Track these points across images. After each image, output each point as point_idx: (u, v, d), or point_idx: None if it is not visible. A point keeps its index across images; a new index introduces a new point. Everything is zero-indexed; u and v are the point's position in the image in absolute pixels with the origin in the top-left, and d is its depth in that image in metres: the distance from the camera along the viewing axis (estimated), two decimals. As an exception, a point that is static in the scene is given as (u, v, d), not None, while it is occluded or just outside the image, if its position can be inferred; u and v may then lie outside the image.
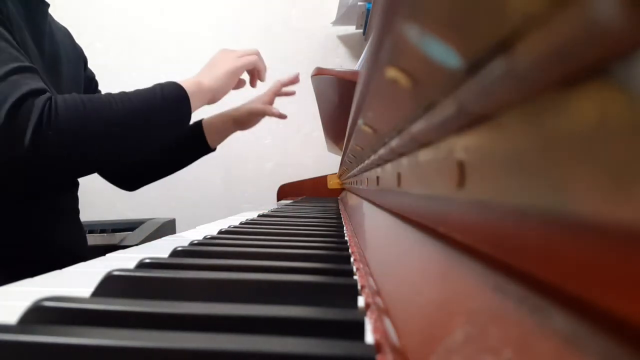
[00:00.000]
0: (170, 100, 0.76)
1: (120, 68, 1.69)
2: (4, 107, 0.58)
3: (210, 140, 0.99)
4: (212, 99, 0.85)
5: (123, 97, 0.71)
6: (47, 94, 0.63)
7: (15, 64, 0.62)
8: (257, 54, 0.92)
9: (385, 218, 0.39)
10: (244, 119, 1.02)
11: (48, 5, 0.82)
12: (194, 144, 0.99)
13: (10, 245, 0.70)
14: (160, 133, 0.76)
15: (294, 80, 1.09)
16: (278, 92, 1.06)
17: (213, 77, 0.85)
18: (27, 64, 0.65)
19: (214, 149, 1.00)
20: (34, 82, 0.63)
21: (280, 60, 1.70)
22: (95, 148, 0.66)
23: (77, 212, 0.87)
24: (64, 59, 0.84)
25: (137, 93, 0.74)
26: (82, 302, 0.22)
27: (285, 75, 1.09)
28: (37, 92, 0.62)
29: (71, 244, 0.81)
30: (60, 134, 0.62)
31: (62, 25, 0.90)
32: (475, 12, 0.11)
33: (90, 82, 0.96)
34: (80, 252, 0.82)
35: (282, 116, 1.03)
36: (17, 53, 0.64)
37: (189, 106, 0.79)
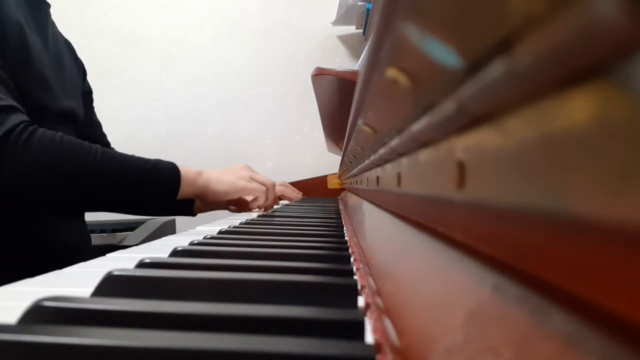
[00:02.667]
0: (157, 174, 0.74)
1: (120, 68, 1.69)
2: None
3: (197, 210, 0.94)
4: (203, 196, 0.82)
5: (108, 152, 0.69)
6: (24, 117, 0.62)
7: None
8: (269, 188, 0.88)
9: (385, 218, 0.39)
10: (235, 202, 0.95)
11: (49, 5, 0.83)
12: (177, 211, 0.93)
13: (18, 243, 0.70)
14: (132, 201, 0.74)
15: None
16: (280, 198, 1.00)
17: (215, 178, 0.82)
18: (3, 77, 0.65)
19: (194, 215, 0.94)
20: (8, 99, 0.63)
21: (280, 60, 1.70)
22: (54, 187, 0.64)
23: (83, 212, 0.88)
24: (66, 59, 0.85)
25: (128, 156, 0.72)
26: (82, 302, 0.22)
27: (294, 194, 1.07)
28: (11, 109, 0.62)
29: (77, 242, 0.82)
30: (20, 161, 0.61)
31: (66, 38, 0.91)
32: (475, 12, 0.11)
33: (87, 96, 0.96)
34: (85, 250, 0.83)
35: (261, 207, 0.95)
36: None
37: (176, 185, 0.76)
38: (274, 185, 0.90)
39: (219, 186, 0.81)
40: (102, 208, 0.76)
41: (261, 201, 0.87)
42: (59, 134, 0.65)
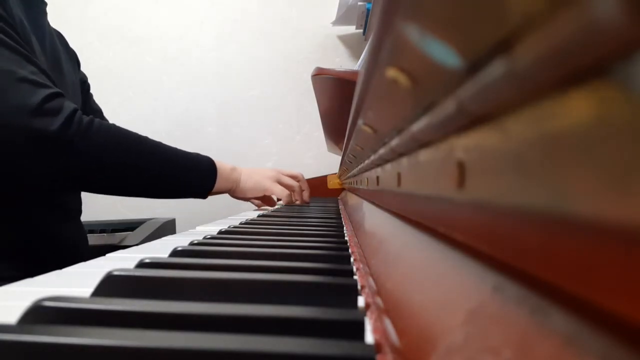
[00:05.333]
0: (197, 166, 0.80)
1: (120, 68, 1.69)
2: (35, 99, 0.60)
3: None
4: (233, 190, 0.90)
5: (154, 143, 0.75)
6: (74, 104, 0.65)
7: (34, 67, 0.64)
8: (293, 190, 0.98)
9: (385, 218, 0.39)
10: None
11: (46, 4, 0.83)
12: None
13: (18, 242, 0.71)
14: (174, 189, 0.80)
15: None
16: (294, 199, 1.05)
17: (247, 175, 0.91)
18: (43, 67, 0.67)
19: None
20: (54, 86, 0.65)
21: (280, 61, 1.70)
22: (109, 175, 0.69)
23: (80, 212, 0.89)
24: (63, 59, 0.85)
25: (172, 147, 0.78)
26: (82, 302, 0.22)
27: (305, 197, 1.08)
28: (62, 95, 0.65)
29: (75, 243, 0.83)
30: (82, 147, 0.64)
31: (55, 29, 0.91)
32: (475, 12, 0.11)
33: (82, 84, 0.97)
34: (84, 251, 0.84)
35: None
36: (30, 55, 0.66)
37: (212, 180, 0.83)
38: (298, 184, 0.99)
39: (247, 183, 0.90)
40: (142, 194, 0.81)
41: (286, 202, 0.96)
42: (112, 123, 0.70)
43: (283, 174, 0.97)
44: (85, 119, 0.65)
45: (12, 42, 0.63)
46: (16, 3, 0.71)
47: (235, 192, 0.91)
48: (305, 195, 1.04)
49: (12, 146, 0.61)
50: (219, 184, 0.83)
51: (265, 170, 0.95)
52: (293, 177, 0.99)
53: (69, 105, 0.64)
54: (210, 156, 0.94)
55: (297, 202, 1.00)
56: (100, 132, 0.66)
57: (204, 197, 0.85)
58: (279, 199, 0.98)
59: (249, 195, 0.93)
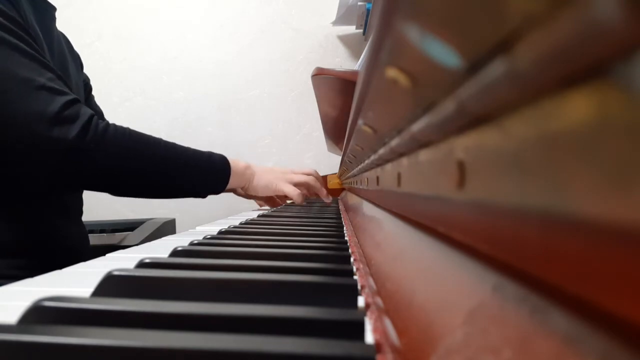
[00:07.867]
0: (212, 167, 0.81)
1: (120, 68, 1.69)
2: (54, 107, 0.61)
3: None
4: (245, 188, 0.92)
5: (169, 146, 0.76)
6: (90, 110, 0.66)
7: (52, 74, 0.65)
8: (307, 185, 1.00)
9: (385, 218, 0.39)
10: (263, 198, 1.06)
11: (55, 8, 0.83)
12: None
13: (18, 242, 0.71)
14: (188, 190, 0.81)
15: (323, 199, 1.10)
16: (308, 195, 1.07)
17: (260, 174, 0.92)
18: (59, 73, 0.68)
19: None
20: (71, 92, 0.66)
21: (280, 60, 1.70)
22: (124, 179, 0.70)
23: (82, 213, 0.89)
24: (69, 62, 0.85)
25: (185, 147, 0.79)
26: (82, 302, 0.22)
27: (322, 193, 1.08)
28: (78, 101, 0.65)
29: (77, 242, 0.83)
30: (98, 153, 0.65)
31: (60, 32, 0.91)
32: (475, 12, 0.11)
33: (85, 86, 0.97)
34: (85, 250, 0.84)
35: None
36: (47, 61, 0.66)
37: (226, 179, 0.84)
38: (313, 179, 1.00)
39: (259, 182, 0.92)
40: (156, 195, 0.82)
41: (298, 201, 0.98)
42: (126, 127, 0.71)
43: (296, 173, 0.98)
44: (101, 125, 0.66)
45: (30, 50, 0.64)
46: (29, 9, 0.72)
47: (248, 190, 0.92)
48: (322, 193, 1.04)
49: (31, 153, 0.62)
50: (232, 182, 0.85)
51: (277, 170, 0.97)
52: (306, 174, 1.01)
53: (85, 112, 0.65)
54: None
55: (323, 197, 1.03)
56: (116, 138, 0.67)
57: (217, 194, 0.87)
58: (290, 200, 0.99)
59: (260, 194, 0.94)
